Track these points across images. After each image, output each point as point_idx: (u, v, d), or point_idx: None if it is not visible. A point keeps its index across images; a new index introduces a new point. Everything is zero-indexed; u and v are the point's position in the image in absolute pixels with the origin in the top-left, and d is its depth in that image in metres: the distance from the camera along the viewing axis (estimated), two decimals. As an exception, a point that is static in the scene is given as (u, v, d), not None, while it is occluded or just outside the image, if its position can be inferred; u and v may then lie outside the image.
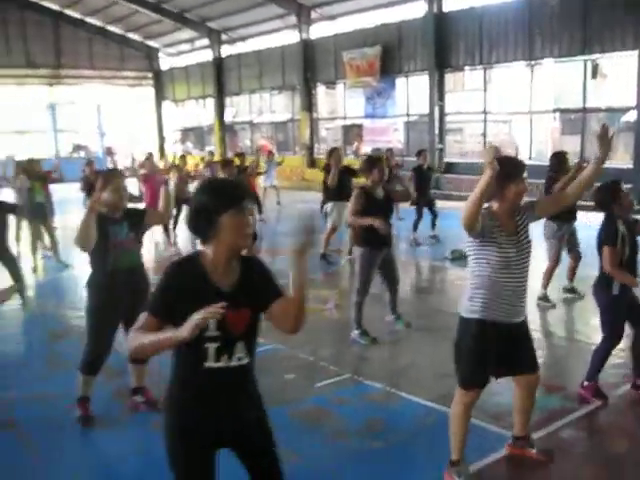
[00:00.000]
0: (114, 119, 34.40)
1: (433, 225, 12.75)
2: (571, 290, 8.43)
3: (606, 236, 5.03)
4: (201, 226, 2.71)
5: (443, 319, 7.64)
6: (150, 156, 15.09)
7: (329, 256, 10.76)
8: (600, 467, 4.39)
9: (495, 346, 3.91)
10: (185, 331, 2.43)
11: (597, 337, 5.41)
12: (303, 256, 2.76)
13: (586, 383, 5.25)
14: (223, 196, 2.70)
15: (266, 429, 2.89)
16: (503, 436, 4.59)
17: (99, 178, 4.96)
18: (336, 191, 10.80)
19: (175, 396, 2.78)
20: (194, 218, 2.73)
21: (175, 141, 36.16)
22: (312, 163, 26.29)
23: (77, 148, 34.51)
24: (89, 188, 12.30)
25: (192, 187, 14.25)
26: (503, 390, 4.92)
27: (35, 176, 11.25)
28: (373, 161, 6.86)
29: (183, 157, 15.06)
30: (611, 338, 5.20)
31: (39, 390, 5.79)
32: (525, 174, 3.91)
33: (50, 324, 8.11)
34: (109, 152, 28.82)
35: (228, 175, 10.14)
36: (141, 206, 8.53)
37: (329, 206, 10.99)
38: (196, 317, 2.42)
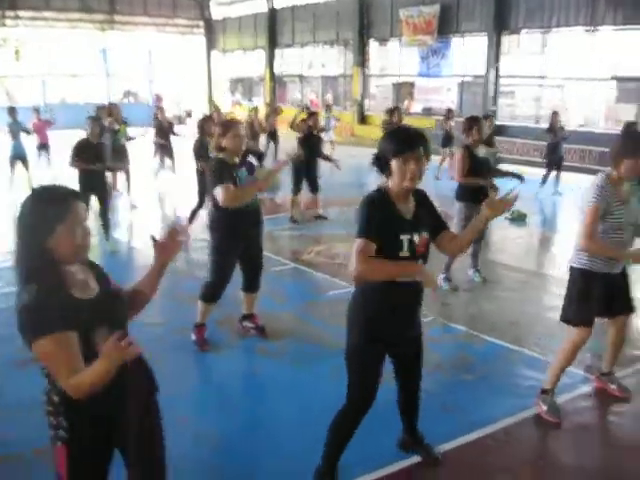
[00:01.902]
0: (164, 67, 34.83)
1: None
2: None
3: None
4: (379, 167, 3.28)
5: (507, 273, 8.20)
6: (216, 109, 15.51)
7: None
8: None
9: (598, 291, 4.41)
10: (429, 281, 3.14)
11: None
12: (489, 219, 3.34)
13: None
14: (394, 144, 3.22)
15: (420, 339, 3.64)
16: (584, 377, 5.13)
17: (219, 126, 5.46)
18: None
19: (366, 304, 3.38)
20: (374, 158, 3.30)
21: (224, 91, 36.44)
22: (362, 119, 26.52)
23: (127, 94, 35.05)
24: (162, 132, 12.93)
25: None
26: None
27: (120, 119, 11.81)
28: (473, 120, 7.24)
29: (255, 109, 15.44)
30: None
31: (156, 316, 6.33)
32: None
33: (142, 259, 8.67)
34: (158, 99, 29.21)
35: (300, 131, 10.59)
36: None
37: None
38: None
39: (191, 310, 5.76)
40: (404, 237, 3.20)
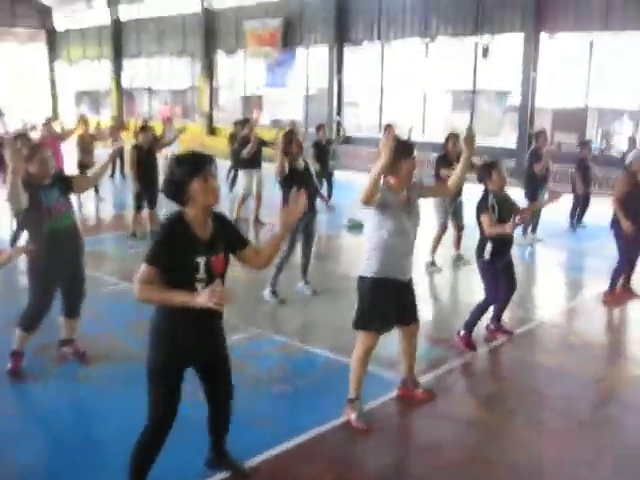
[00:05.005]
0: (3, 77, 33.06)
1: (329, 196, 13.30)
2: (458, 257, 9.24)
3: (480, 206, 5.85)
4: (176, 194, 3.34)
5: (341, 282, 8.35)
6: (48, 121, 14.92)
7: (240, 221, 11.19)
8: (471, 404, 5.28)
9: (389, 299, 4.61)
10: (202, 300, 3.03)
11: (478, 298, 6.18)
12: (292, 221, 3.60)
13: (462, 332, 6.04)
14: (192, 165, 3.31)
15: (224, 352, 3.75)
16: (395, 381, 5.32)
17: (26, 151, 5.32)
18: (248, 159, 11.33)
19: (164, 325, 3.43)
20: (169, 188, 3.36)
21: (70, 104, 35.07)
22: (211, 131, 26.45)
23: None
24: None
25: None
26: (395, 342, 5.69)
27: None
28: (290, 135, 7.29)
29: (85, 121, 14.93)
30: (487, 297, 6.01)
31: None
32: (415, 153, 4.56)
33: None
34: (-5, 112, 27.65)
35: (144, 141, 10.22)
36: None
37: (240, 174, 11.74)
38: (213, 297, 2.99)
39: (7, 338, 5.49)
40: (200, 259, 3.32)
